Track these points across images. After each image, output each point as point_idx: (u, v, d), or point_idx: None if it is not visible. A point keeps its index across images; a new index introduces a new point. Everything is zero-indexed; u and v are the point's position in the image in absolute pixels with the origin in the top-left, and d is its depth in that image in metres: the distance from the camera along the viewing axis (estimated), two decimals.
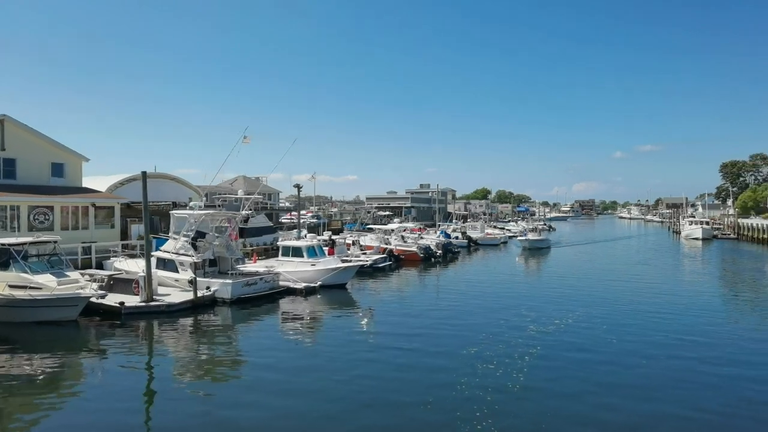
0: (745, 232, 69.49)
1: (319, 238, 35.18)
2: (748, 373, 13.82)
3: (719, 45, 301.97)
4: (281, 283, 25.59)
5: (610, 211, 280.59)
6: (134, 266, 25.46)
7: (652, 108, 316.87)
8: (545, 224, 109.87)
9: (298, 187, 42.23)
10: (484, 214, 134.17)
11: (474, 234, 63.55)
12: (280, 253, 28.85)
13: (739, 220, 74.89)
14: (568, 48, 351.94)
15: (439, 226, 65.41)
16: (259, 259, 32.90)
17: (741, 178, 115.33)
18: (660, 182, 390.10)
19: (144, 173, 21.78)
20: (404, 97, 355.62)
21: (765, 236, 60.82)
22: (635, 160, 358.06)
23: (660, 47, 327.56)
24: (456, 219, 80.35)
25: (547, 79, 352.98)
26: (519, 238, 57.79)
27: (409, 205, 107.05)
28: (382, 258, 36.39)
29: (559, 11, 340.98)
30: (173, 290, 23.44)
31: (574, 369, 14.11)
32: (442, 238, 52.07)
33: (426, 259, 41.51)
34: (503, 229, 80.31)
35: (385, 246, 40.21)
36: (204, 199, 49.06)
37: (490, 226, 79.57)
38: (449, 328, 18.97)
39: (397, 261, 39.32)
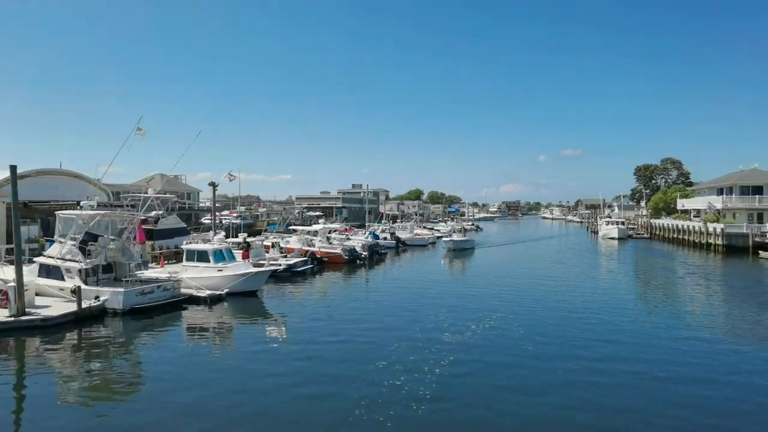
0: (657, 232, 73.45)
1: (231, 240, 32.99)
2: (655, 372, 13.60)
3: (638, 49, 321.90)
4: (183, 290, 23.32)
5: (534, 212, 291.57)
6: (11, 274, 22.42)
7: (575, 114, 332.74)
8: (473, 224, 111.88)
9: (213, 185, 39.74)
10: (416, 214, 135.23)
11: (403, 235, 63.04)
12: (184, 257, 26.37)
13: (652, 221, 79.19)
14: (500, 54, 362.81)
15: (369, 226, 64.38)
16: (167, 264, 30.28)
17: (653, 181, 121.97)
18: (580, 184, 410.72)
19: (13, 168, 18.95)
20: (342, 97, 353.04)
21: (675, 235, 64.34)
22: (558, 163, 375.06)
23: (576, 50, 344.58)
24: (388, 219, 79.80)
25: (479, 86, 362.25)
26: (444, 239, 57.18)
27: (340, 205, 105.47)
28: (302, 261, 34.64)
29: (490, 13, 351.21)
30: (57, 301, 20.75)
31: (483, 379, 13.30)
32: (369, 239, 51.04)
33: (351, 262, 40.17)
34: (432, 229, 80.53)
35: (307, 248, 38.53)
36: (109, 198, 45.44)
37: (420, 227, 79.52)
38: (364, 335, 17.79)
39: (319, 264, 37.75)
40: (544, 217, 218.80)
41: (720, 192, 60.93)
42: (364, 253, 42.67)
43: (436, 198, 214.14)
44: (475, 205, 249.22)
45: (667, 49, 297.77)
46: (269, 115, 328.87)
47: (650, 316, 21.54)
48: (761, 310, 22.43)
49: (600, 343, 16.85)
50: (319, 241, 42.26)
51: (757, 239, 46.97)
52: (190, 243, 27.34)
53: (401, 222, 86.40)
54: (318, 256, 38.28)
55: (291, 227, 48.80)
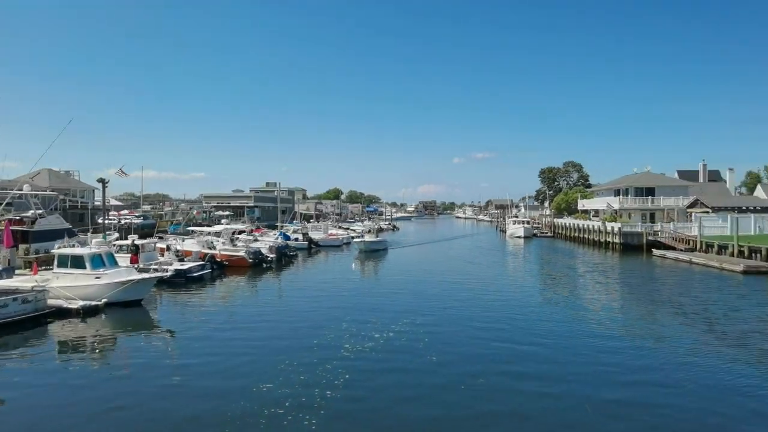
0: (560, 231, 77.06)
1: (118, 243, 29.77)
2: (563, 377, 13.13)
3: (543, 52, 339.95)
4: (51, 302, 20.28)
5: (449, 212, 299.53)
6: None
7: (487, 119, 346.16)
8: (390, 224, 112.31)
9: (103, 181, 36.03)
10: (333, 214, 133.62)
11: (317, 235, 61.31)
12: (55, 263, 23.08)
13: (555, 220, 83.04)
14: (419, 59, 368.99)
15: (282, 227, 61.82)
16: (43, 271, 26.52)
17: (556, 183, 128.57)
18: (491, 185, 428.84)
19: None
20: (262, 92, 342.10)
21: (576, 234, 67.67)
22: (471, 165, 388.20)
23: (482, 53, 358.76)
24: (301, 219, 77.52)
25: (396, 88, 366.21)
26: (355, 240, 55.53)
27: (252, 204, 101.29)
28: (198, 265, 31.90)
29: (408, 11, 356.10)
30: None
31: (375, 403, 12.12)
32: (279, 240, 48.88)
33: (256, 265, 37.88)
34: (348, 229, 79.29)
35: (206, 251, 35.80)
36: None
37: (335, 227, 78.07)
38: (254, 349, 16.09)
39: (220, 268, 35.23)
40: (458, 217, 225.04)
41: (617, 193, 64.84)
42: (271, 256, 40.50)
43: (355, 197, 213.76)
44: (393, 204, 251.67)
45: (569, 54, 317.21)
46: (181, 110, 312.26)
47: (554, 317, 21.46)
48: (656, 308, 23.18)
49: (506, 348, 16.31)
50: (222, 243, 39.60)
51: (650, 238, 50.12)
52: (63, 246, 23.93)
53: (318, 222, 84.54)
54: (219, 259, 35.70)
55: (190, 228, 45.47)
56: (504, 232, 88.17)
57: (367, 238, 52.99)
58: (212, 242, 38.99)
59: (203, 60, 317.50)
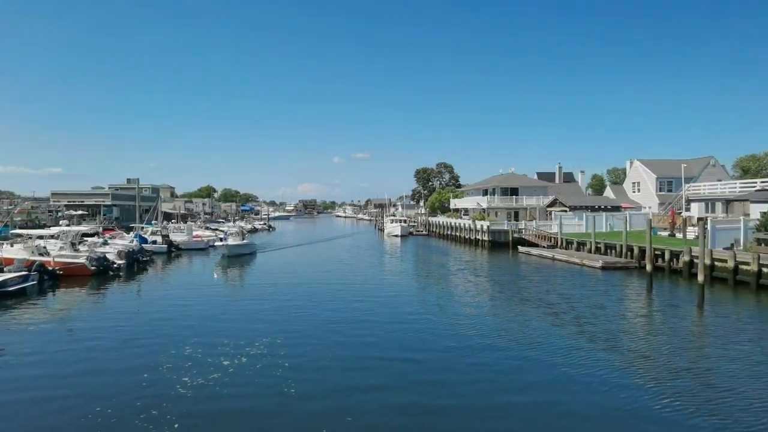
0: (434, 229, 78.88)
1: None
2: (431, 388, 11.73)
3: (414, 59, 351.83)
4: None
5: (329, 211, 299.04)
6: None
7: (367, 120, 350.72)
8: (266, 224, 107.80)
9: None
10: (204, 213, 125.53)
11: (179, 237, 55.82)
12: None
13: (429, 219, 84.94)
14: (304, 59, 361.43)
15: (141, 228, 55.20)
16: None
17: (430, 183, 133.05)
18: (370, 185, 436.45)
19: None
20: (136, 81, 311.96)
21: (449, 232, 69.46)
22: (351, 165, 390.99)
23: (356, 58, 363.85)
24: (164, 219, 70.47)
25: (274, 84, 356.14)
26: (217, 243, 50.17)
27: (110, 203, 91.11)
28: (18, 277, 26.33)
29: (281, 9, 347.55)
30: None
31: None
32: (134, 244, 43.46)
33: (102, 273, 32.73)
34: (217, 230, 73.87)
35: (34, 259, 30.09)
36: None
37: (203, 228, 72.39)
38: (67, 385, 12.73)
39: (53, 278, 29.83)
40: (338, 216, 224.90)
41: (485, 193, 67.58)
42: (120, 262, 35.42)
43: (230, 196, 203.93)
44: (272, 203, 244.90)
45: (441, 55, 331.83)
46: (29, 96, 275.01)
47: (428, 324, 20.16)
48: (526, 307, 23.10)
49: (377, 366, 14.58)
50: (60, 248, 33.87)
51: (515, 235, 52.47)
52: None
53: (186, 222, 77.82)
54: (51, 267, 30.22)
55: (15, 231, 38.49)
56: (382, 230, 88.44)
57: (232, 241, 47.58)
58: (44, 248, 33.13)
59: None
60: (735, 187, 49.56)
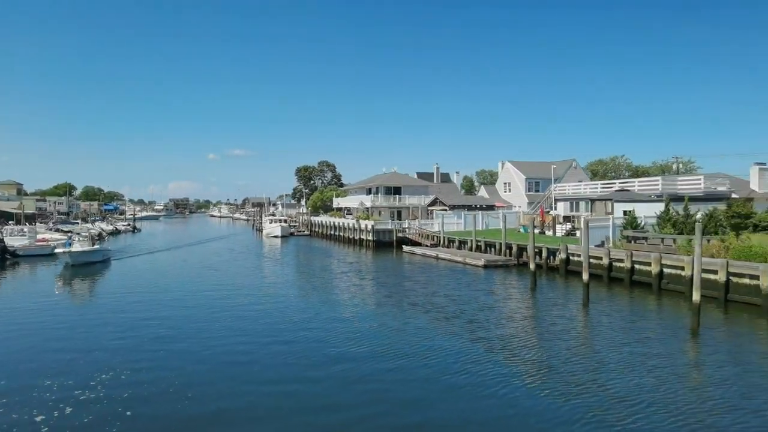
0: (317, 229, 76.57)
1: None
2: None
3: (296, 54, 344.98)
4: None
5: (203, 210, 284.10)
6: None
7: (245, 115, 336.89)
8: (129, 224, 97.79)
9: None
10: (58, 213, 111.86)
11: (18, 241, 47.71)
12: None
13: (311, 218, 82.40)
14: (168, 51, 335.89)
15: None
16: None
17: (312, 181, 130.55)
18: (249, 183, 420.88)
19: None
20: None
21: (332, 232, 67.64)
22: (227, 162, 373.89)
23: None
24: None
25: (141, 75, 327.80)
26: (58, 251, 42.48)
27: None
28: None
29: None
30: None
31: None
32: None
33: None
34: (69, 233, 64.78)
35: None
36: None
37: (52, 229, 63.18)
38: None
39: None
40: (213, 216, 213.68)
41: (369, 192, 66.89)
42: None
43: (92, 194, 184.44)
44: (140, 202, 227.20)
45: (321, 52, 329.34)
46: None
47: (310, 339, 17.99)
48: (416, 313, 21.92)
49: (245, 398, 12.29)
50: None
51: (399, 235, 52.14)
52: None
53: (30, 223, 67.28)
54: None
55: None
56: (261, 231, 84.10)
57: (78, 247, 39.73)
58: None
59: None
60: (596, 188, 53.72)
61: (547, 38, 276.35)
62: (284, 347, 16.69)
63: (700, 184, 44.57)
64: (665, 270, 25.76)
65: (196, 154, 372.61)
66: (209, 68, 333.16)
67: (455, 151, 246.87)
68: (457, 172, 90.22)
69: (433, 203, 60.97)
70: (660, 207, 35.32)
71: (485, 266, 34.92)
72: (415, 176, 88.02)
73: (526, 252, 35.97)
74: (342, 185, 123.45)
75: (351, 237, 59.20)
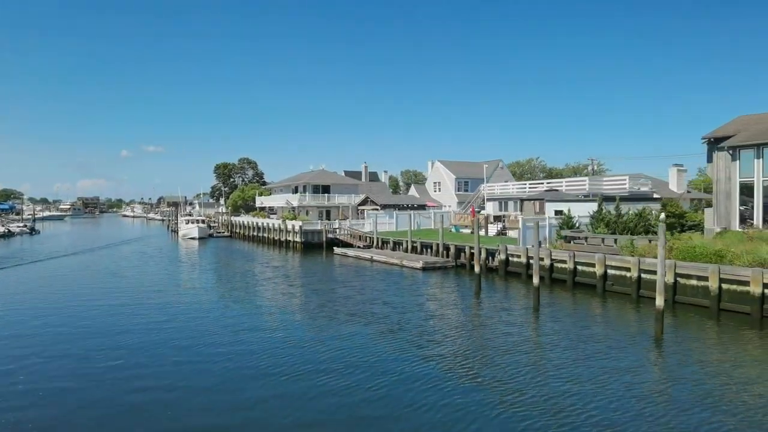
0: (238, 230, 72.01)
1: None
2: None
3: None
4: None
5: (115, 210, 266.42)
6: None
7: (160, 110, 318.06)
8: (25, 225, 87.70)
9: None
10: None
11: None
12: None
13: (232, 218, 77.56)
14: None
15: None
16: None
17: (231, 179, 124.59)
18: (164, 181, 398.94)
19: None
20: None
21: (255, 233, 63.62)
22: (141, 158, 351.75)
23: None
24: None
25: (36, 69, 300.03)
26: None
27: None
28: None
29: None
30: None
31: None
32: None
33: None
34: None
35: None
36: None
37: None
38: None
39: None
40: (126, 215, 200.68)
41: (295, 190, 63.57)
42: None
43: None
44: (44, 201, 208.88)
45: (235, 48, 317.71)
46: None
47: (227, 360, 15.22)
48: (355, 325, 19.57)
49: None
50: None
51: (330, 235, 49.49)
52: None
53: None
54: None
55: None
56: (176, 232, 78.03)
57: None
58: None
59: None
60: (525, 188, 53.94)
61: (465, 37, 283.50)
62: (200, 370, 13.74)
63: (625, 184, 45.58)
64: (609, 271, 25.11)
65: (108, 150, 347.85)
66: (121, 62, 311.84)
67: (381, 151, 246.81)
68: (385, 172, 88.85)
69: (364, 203, 58.82)
70: (591, 207, 35.31)
71: (423, 269, 33.18)
72: (343, 174, 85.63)
73: (464, 253, 34.67)
74: (264, 184, 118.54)
75: (276, 238, 55.74)
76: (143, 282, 31.16)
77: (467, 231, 49.93)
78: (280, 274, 34.34)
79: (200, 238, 65.44)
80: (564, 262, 27.09)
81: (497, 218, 48.73)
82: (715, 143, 31.31)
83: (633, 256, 24.53)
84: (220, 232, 75.44)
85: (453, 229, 52.07)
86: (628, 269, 24.11)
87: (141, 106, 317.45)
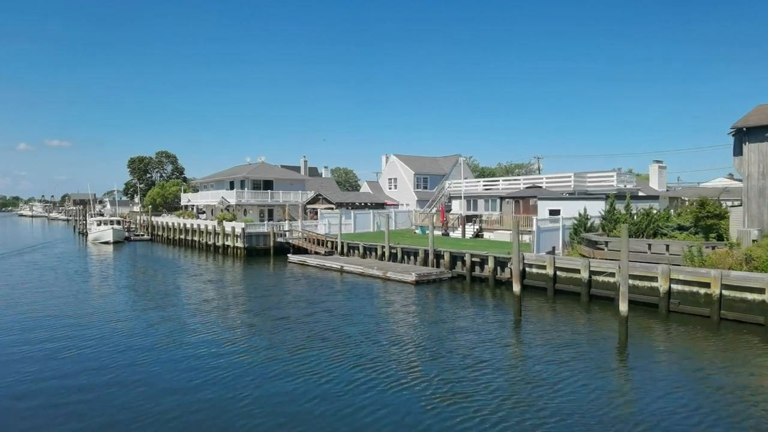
0: (161, 232, 61.65)
1: None
2: None
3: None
4: None
5: (11, 208, 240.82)
6: None
7: (64, 101, 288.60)
8: None
9: None
10: None
11: None
12: None
13: (153, 219, 66.70)
14: None
15: None
16: None
17: (148, 175, 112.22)
18: (70, 178, 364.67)
19: None
20: None
21: (182, 236, 54.00)
22: (43, 153, 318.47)
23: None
24: None
25: None
26: None
27: None
28: None
29: None
30: None
31: None
32: None
33: None
34: None
35: None
36: None
37: None
38: None
39: None
40: (22, 215, 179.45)
41: (231, 186, 54.62)
42: None
43: None
44: None
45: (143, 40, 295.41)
46: None
47: None
48: (362, 384, 12.58)
49: None
50: None
51: (279, 239, 41.46)
52: None
53: None
54: None
55: None
56: (85, 235, 66.01)
57: None
58: None
59: None
60: (496, 185, 48.69)
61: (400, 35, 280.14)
62: None
63: (612, 180, 41.42)
64: (674, 287, 19.68)
65: (4, 143, 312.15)
66: (18, 47, 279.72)
67: (304, 145, 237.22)
68: (326, 167, 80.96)
69: (315, 200, 51.09)
70: (588, 206, 30.45)
71: (417, 282, 26.38)
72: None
73: (462, 261, 28.31)
74: (185, 179, 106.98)
75: (210, 243, 46.84)
76: (41, 306, 21.86)
77: (437, 233, 43.99)
78: (224, 294, 25.99)
79: (115, 242, 54.82)
80: (604, 274, 21.46)
81: (469, 218, 43.02)
82: (746, 133, 27.03)
83: (704, 267, 19.30)
84: (138, 235, 64.53)
85: (418, 231, 45.89)
86: (702, 284, 18.79)
87: (41, 97, 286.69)
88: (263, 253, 41.13)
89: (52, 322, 19.38)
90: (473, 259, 27.20)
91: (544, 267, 24.07)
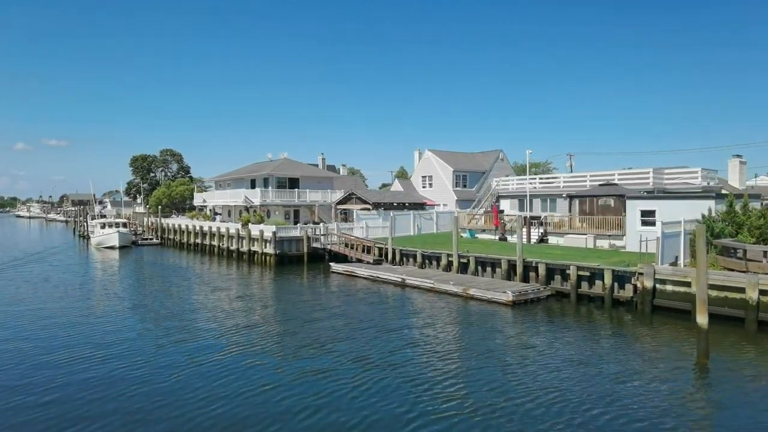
0: (172, 236, 56.29)
1: None
2: None
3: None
4: None
5: (8, 209, 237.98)
6: None
7: (64, 99, 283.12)
8: None
9: None
10: None
11: None
12: None
13: (164, 221, 61.19)
14: None
15: None
16: None
17: (152, 174, 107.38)
18: (68, 178, 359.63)
19: None
20: None
21: (197, 241, 48.62)
22: (41, 153, 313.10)
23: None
24: None
25: None
26: None
27: None
28: None
29: None
30: None
31: None
32: None
33: None
34: None
35: None
36: None
37: None
38: None
39: None
40: (20, 216, 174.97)
41: (253, 184, 49.30)
42: None
43: None
44: None
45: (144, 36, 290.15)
46: None
47: None
48: None
49: None
50: None
51: (315, 245, 36.13)
52: None
53: None
54: None
55: None
56: (87, 238, 60.64)
57: None
58: None
59: None
60: (557, 182, 43.36)
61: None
62: None
63: (697, 177, 36.19)
64: None
65: (1, 143, 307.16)
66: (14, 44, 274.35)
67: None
68: (344, 165, 75.75)
69: (346, 200, 45.80)
70: (693, 205, 25.43)
71: (514, 303, 21.07)
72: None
73: (562, 275, 23.02)
74: (192, 179, 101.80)
75: (233, 249, 41.55)
76: (37, 340, 16.60)
77: (490, 236, 38.91)
78: (267, 315, 20.84)
79: (121, 247, 49.52)
80: None
81: (533, 219, 37.77)
82: None
83: None
84: (147, 239, 59.19)
85: (467, 235, 40.64)
86: None
87: (39, 95, 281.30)
88: (296, 261, 35.88)
89: (45, 374, 14.09)
90: (579, 272, 21.93)
91: (686, 284, 18.82)
